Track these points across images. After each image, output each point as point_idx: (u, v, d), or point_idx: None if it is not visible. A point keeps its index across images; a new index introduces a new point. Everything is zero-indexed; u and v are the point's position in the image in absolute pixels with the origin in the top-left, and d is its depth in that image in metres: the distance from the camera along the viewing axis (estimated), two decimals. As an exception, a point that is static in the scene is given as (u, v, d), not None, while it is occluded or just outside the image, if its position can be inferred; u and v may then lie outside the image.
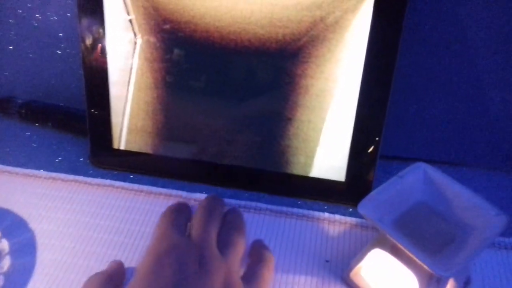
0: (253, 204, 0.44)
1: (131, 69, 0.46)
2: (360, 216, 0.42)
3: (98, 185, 0.46)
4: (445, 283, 0.32)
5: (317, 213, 0.43)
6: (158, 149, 0.48)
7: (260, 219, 0.43)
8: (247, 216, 0.43)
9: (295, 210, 0.44)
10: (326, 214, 0.43)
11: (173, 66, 0.45)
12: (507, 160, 0.49)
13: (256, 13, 0.41)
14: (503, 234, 0.34)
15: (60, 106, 0.55)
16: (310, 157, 0.45)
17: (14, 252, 0.40)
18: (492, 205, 0.33)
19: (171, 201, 0.45)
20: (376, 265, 0.36)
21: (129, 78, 0.46)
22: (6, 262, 0.39)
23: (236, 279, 0.34)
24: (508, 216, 0.32)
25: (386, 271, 0.35)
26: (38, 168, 0.48)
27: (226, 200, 0.44)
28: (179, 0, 0.42)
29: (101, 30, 0.45)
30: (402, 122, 0.49)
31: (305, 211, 0.44)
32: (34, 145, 0.52)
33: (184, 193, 0.45)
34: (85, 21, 0.45)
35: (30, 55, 0.54)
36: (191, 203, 0.44)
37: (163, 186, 0.46)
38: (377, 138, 0.43)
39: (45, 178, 0.47)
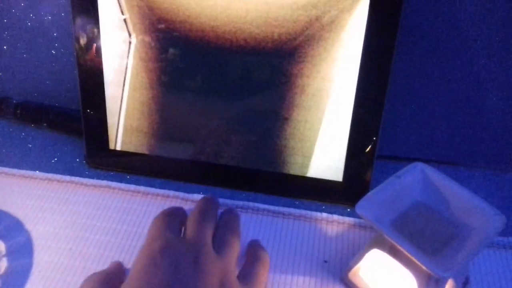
0: (251, 204, 0.44)
1: (126, 68, 0.45)
2: (358, 216, 0.42)
3: (95, 186, 0.46)
4: (444, 283, 0.32)
5: (314, 213, 0.43)
6: (154, 149, 0.47)
7: (257, 220, 0.43)
8: (245, 217, 0.43)
9: (293, 210, 0.44)
10: (324, 214, 0.43)
11: (168, 66, 0.44)
12: (504, 160, 0.49)
13: (251, 13, 0.41)
14: (502, 233, 0.34)
15: (55, 107, 0.54)
16: (307, 157, 0.45)
17: (11, 254, 0.40)
18: (491, 205, 0.33)
19: (169, 202, 0.44)
20: (374, 266, 0.36)
21: (124, 78, 0.46)
22: (3, 264, 0.39)
23: (232, 279, 0.34)
24: (507, 216, 0.32)
25: (384, 271, 0.35)
26: (34, 169, 0.48)
27: (223, 201, 0.44)
28: (174, -1, 0.42)
29: (95, 30, 0.44)
30: (399, 121, 0.48)
31: (303, 211, 0.43)
32: (29, 145, 0.52)
33: (181, 194, 0.45)
34: (79, 21, 0.44)
35: (25, 55, 0.53)
36: (189, 204, 0.44)
37: (160, 187, 0.46)
38: (374, 138, 0.43)
39: (41, 179, 0.47)
